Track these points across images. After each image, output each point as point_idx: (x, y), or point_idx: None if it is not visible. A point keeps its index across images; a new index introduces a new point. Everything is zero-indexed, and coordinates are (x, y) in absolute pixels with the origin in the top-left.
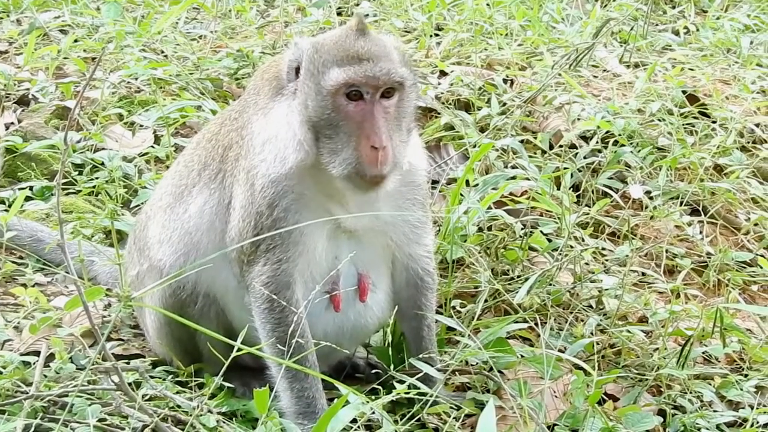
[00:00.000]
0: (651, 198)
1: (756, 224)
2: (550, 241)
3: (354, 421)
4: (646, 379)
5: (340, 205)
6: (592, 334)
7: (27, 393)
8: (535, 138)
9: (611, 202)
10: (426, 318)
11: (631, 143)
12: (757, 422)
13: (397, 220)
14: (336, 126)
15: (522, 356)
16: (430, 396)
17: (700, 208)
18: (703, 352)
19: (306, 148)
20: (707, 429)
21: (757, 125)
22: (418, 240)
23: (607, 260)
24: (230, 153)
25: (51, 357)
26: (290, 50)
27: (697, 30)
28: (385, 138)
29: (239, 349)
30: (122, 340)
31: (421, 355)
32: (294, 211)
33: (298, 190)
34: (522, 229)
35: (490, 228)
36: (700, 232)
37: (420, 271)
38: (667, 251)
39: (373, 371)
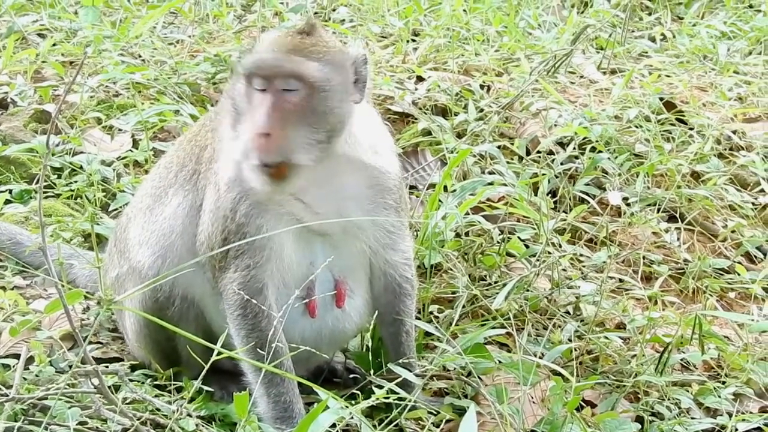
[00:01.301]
0: (628, 204)
1: (733, 231)
2: (527, 247)
3: (333, 425)
4: (624, 386)
5: (303, 206)
6: (569, 340)
7: (7, 396)
8: (512, 144)
9: (588, 208)
10: (404, 324)
11: (609, 150)
12: (736, 429)
13: (368, 225)
14: (241, 114)
15: (500, 362)
16: (409, 401)
17: (678, 215)
18: (681, 359)
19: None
20: None
21: (734, 132)
22: (394, 246)
23: (584, 266)
24: (205, 154)
25: (30, 360)
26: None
27: (674, 37)
28: (270, 126)
29: (219, 353)
30: (101, 343)
31: (399, 361)
32: (255, 216)
33: (252, 192)
34: (499, 234)
35: (467, 233)
36: (678, 239)
37: (398, 277)
38: (644, 258)
39: (351, 376)
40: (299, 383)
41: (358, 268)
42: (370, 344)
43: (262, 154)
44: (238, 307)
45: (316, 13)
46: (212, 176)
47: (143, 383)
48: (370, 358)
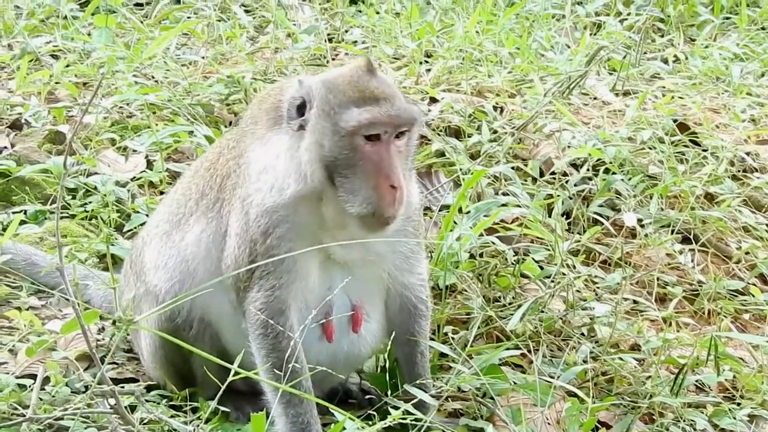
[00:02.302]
0: (642, 226)
1: (747, 253)
2: (541, 268)
3: None
4: (639, 407)
5: (331, 237)
6: (584, 361)
7: (24, 416)
8: (526, 165)
9: (602, 229)
10: (419, 344)
11: (622, 171)
12: None
13: (388, 251)
14: (354, 166)
15: (515, 383)
16: (424, 422)
17: (692, 237)
18: (696, 381)
19: (312, 183)
20: None
21: (748, 154)
22: (411, 269)
23: (598, 288)
24: (228, 182)
25: (46, 380)
26: (293, 88)
27: (687, 58)
28: (401, 178)
29: (236, 373)
30: (116, 363)
31: (416, 382)
32: (288, 240)
33: (292, 219)
34: (514, 256)
35: (482, 255)
36: (692, 261)
37: (413, 299)
38: (658, 279)
39: (367, 397)
40: (316, 404)
41: (375, 293)
42: (386, 365)
43: (398, 207)
44: (260, 327)
45: (329, 34)
46: (237, 202)
47: (159, 404)
48: (387, 378)
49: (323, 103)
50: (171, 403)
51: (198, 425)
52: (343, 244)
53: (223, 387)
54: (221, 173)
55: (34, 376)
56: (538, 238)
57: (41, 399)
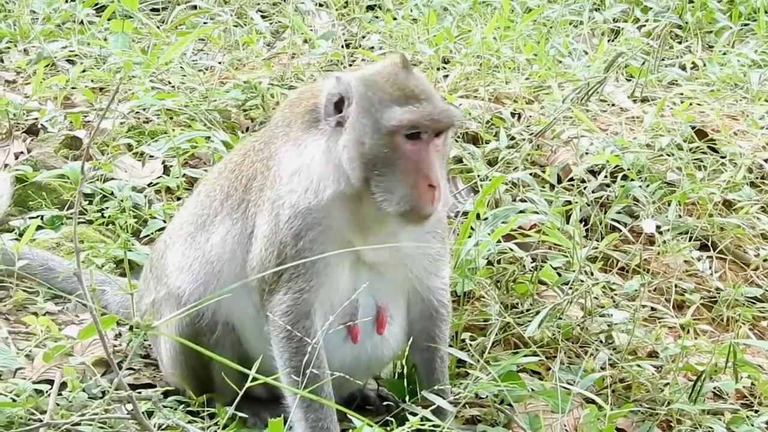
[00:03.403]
0: (660, 233)
1: (765, 260)
2: (559, 275)
3: None
4: (657, 414)
5: (363, 238)
6: (602, 368)
7: (41, 421)
8: (544, 172)
9: (620, 236)
10: (439, 350)
11: (640, 178)
12: None
13: (417, 253)
14: (392, 164)
15: (533, 390)
16: (442, 428)
17: (710, 244)
18: (714, 388)
19: (352, 183)
20: None
21: (766, 161)
22: (437, 272)
23: (616, 295)
24: (254, 183)
25: (63, 386)
26: (330, 84)
27: (705, 65)
28: (440, 177)
29: (255, 379)
30: (133, 369)
31: (434, 387)
32: (320, 242)
33: (326, 222)
34: (532, 262)
35: (499, 261)
36: (710, 268)
37: (435, 302)
38: (676, 286)
39: (384, 403)
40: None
41: (399, 295)
42: (405, 371)
43: (437, 205)
44: (284, 330)
45: (346, 40)
46: (266, 203)
47: (176, 409)
48: (405, 384)
49: (363, 100)
50: (188, 408)
51: (215, 431)
52: (371, 243)
53: (241, 392)
54: (247, 175)
55: (51, 382)
56: (555, 244)
57: (58, 404)
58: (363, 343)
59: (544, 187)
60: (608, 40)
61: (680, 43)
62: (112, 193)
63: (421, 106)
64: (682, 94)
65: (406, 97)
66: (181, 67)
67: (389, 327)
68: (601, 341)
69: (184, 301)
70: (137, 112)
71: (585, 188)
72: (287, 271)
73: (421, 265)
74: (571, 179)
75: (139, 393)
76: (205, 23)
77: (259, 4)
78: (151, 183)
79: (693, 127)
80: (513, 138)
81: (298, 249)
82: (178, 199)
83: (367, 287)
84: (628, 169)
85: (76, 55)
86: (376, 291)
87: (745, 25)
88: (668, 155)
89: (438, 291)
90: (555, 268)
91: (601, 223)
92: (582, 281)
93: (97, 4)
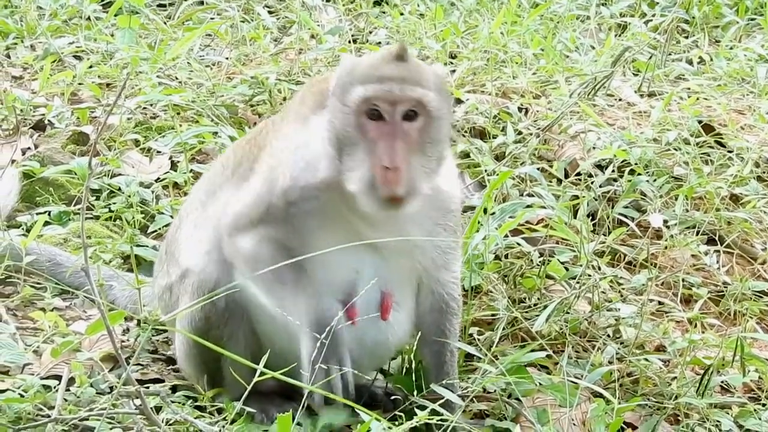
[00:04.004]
0: (668, 227)
1: None
2: (567, 269)
3: None
4: (665, 408)
5: (364, 221)
6: (610, 362)
7: (49, 416)
8: (551, 166)
9: (627, 231)
10: (449, 344)
11: (647, 172)
12: None
13: (426, 244)
14: (356, 144)
15: (540, 384)
16: (450, 423)
17: (717, 238)
18: (722, 381)
19: (333, 163)
20: None
21: None
22: (447, 266)
23: (624, 289)
24: (263, 153)
25: (71, 381)
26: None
27: (711, 60)
28: (399, 159)
29: (263, 374)
30: (140, 364)
31: (443, 381)
32: (313, 216)
33: (324, 198)
34: (539, 257)
35: (507, 256)
36: (717, 262)
37: (446, 296)
38: (683, 280)
39: (392, 398)
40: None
41: (406, 283)
42: (413, 365)
43: (392, 188)
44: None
45: (353, 35)
46: (263, 167)
47: (184, 404)
48: (413, 378)
49: (339, 80)
50: (196, 404)
51: (223, 426)
52: (375, 228)
53: (249, 387)
54: (259, 145)
55: (59, 377)
56: (563, 239)
57: (66, 400)
58: (366, 328)
59: (551, 181)
60: (615, 35)
61: (687, 37)
62: (119, 189)
63: (383, 86)
64: (689, 88)
65: (373, 77)
66: (188, 63)
67: (395, 314)
68: (608, 335)
69: (196, 274)
70: (144, 108)
71: (592, 183)
72: (267, 223)
73: (430, 257)
74: (579, 174)
75: (147, 388)
76: (212, 19)
77: None
78: (158, 178)
79: (700, 122)
80: (520, 133)
81: (288, 214)
82: (186, 194)
83: (370, 271)
84: (636, 164)
85: (83, 51)
86: (380, 276)
87: (752, 19)
88: (675, 150)
89: (448, 284)
90: (562, 263)
91: (608, 218)
92: (589, 275)
93: (103, 0)
